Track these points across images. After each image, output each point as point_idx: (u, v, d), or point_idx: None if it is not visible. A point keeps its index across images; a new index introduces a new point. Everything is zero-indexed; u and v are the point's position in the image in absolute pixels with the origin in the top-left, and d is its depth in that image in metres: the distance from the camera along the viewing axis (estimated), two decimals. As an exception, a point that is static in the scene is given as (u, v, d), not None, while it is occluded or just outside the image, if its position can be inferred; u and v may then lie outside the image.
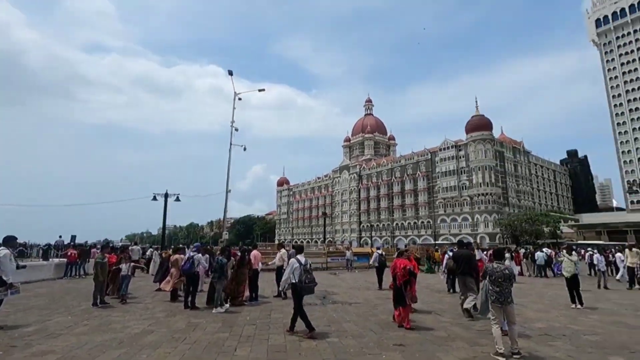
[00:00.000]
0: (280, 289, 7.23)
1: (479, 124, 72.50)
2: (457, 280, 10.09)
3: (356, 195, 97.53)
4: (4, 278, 6.67)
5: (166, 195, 24.30)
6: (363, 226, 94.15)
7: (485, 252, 15.72)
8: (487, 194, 69.55)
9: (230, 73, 22.82)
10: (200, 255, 9.40)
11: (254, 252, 11.06)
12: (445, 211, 76.44)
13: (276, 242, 76.91)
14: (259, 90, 23.98)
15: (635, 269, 14.92)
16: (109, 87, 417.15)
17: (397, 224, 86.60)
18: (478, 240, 62.66)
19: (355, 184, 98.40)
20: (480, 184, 70.28)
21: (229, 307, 9.13)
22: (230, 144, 22.50)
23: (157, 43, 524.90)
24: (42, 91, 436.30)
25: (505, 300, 5.60)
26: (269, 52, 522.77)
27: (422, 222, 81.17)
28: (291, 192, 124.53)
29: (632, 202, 79.01)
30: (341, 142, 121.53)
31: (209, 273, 11.05)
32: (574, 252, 10.92)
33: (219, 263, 8.97)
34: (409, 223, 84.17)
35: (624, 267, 16.29)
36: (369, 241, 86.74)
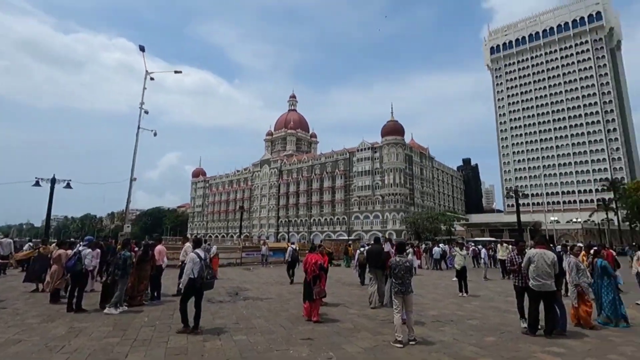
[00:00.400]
0: (180, 286, 6.70)
1: (393, 129, 78.38)
2: (367, 272, 10.85)
3: (276, 190, 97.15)
4: None
5: (53, 181, 20.82)
6: (281, 221, 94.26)
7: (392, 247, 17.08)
8: (396, 194, 75.58)
9: (142, 49, 20.49)
10: (89, 250, 8.20)
11: (159, 247, 10.09)
12: (359, 209, 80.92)
13: (189, 236, 72.43)
14: (175, 72, 21.98)
15: (506, 261, 17.68)
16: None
17: (314, 219, 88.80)
18: (387, 237, 67.76)
19: (275, 179, 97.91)
20: (391, 184, 76.07)
21: (127, 308, 8.19)
22: (139, 127, 20.18)
23: (51, 3, 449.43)
24: None
25: (406, 290, 6.05)
26: (190, 34, 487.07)
27: (338, 219, 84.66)
28: (208, 184, 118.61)
29: (508, 206, 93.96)
30: (263, 136, 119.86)
31: (103, 272, 9.81)
32: (464, 248, 12.53)
33: (122, 257, 7.93)
34: (325, 219, 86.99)
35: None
36: (287, 236, 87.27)
